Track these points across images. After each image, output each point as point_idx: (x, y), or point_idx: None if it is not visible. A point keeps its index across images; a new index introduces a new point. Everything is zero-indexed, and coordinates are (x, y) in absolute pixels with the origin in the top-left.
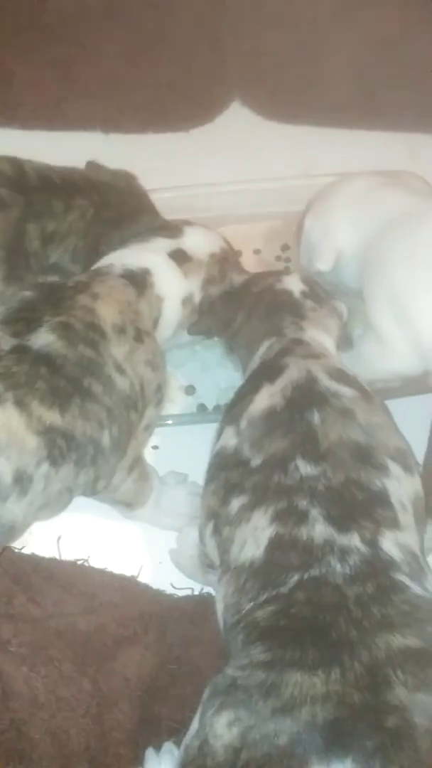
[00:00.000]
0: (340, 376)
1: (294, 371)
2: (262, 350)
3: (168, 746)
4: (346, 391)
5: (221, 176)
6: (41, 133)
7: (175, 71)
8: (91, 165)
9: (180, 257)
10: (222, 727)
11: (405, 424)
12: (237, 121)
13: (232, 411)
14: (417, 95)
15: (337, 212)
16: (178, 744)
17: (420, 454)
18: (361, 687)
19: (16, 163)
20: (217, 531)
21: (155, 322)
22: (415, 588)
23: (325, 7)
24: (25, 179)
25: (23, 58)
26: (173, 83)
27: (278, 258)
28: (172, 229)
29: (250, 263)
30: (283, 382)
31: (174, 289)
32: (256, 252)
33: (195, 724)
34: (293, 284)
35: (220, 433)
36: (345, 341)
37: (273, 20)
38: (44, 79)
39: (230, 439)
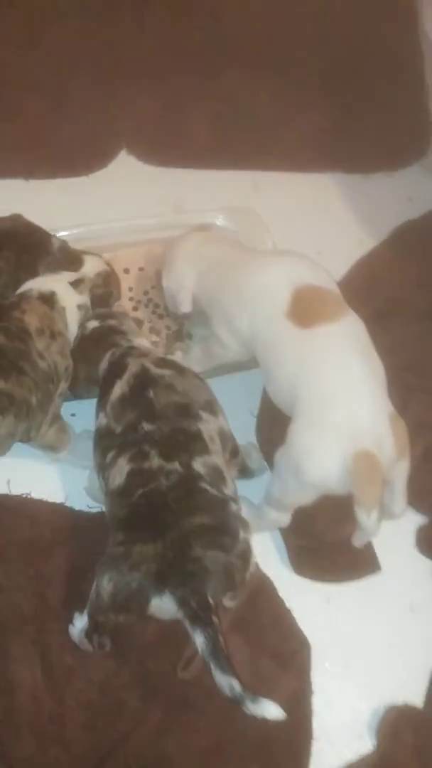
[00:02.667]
0: (161, 363)
1: (133, 367)
2: (107, 357)
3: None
4: (166, 372)
5: (114, 210)
6: None
7: (75, 127)
8: None
9: (76, 283)
10: (105, 582)
11: (241, 389)
12: (124, 166)
13: (100, 402)
14: (257, 141)
15: (181, 269)
16: None
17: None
18: (175, 549)
19: None
20: (100, 475)
21: (65, 324)
22: (212, 490)
23: (189, 74)
24: None
25: None
26: (75, 137)
27: (156, 272)
28: (75, 261)
29: (136, 277)
30: (128, 375)
31: (69, 301)
32: (141, 269)
33: (93, 585)
34: (91, 324)
35: (96, 417)
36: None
37: (149, 85)
38: None
39: (102, 420)
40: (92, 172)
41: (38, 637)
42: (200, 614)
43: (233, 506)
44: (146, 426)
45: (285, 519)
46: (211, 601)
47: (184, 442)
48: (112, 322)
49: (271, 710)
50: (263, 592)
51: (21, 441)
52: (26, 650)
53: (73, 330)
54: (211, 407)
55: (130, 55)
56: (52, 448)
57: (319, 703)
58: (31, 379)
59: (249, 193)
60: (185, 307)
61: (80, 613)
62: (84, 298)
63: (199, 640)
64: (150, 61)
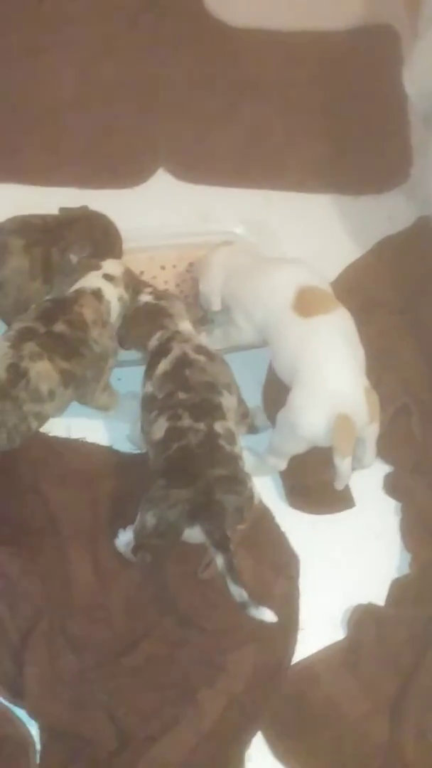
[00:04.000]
0: (199, 350)
1: (176, 351)
2: (157, 337)
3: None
4: (201, 358)
5: (152, 217)
6: (38, 189)
7: (121, 147)
8: (63, 209)
9: (108, 278)
10: (149, 516)
11: (251, 364)
12: (161, 181)
13: (148, 373)
14: (270, 164)
15: (213, 276)
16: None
17: (261, 378)
18: (202, 494)
19: (39, 216)
20: (143, 429)
21: (110, 315)
22: (227, 447)
23: (215, 106)
24: (46, 224)
25: (25, 142)
26: (121, 155)
27: (188, 270)
28: (93, 266)
29: (171, 273)
30: (171, 356)
31: (112, 294)
32: (174, 266)
33: (138, 517)
34: (147, 297)
35: (143, 385)
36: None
37: (182, 114)
38: (38, 152)
39: (148, 387)
40: (134, 186)
41: (90, 545)
42: (220, 541)
43: (241, 462)
44: (181, 395)
45: (282, 464)
46: (228, 532)
47: (209, 409)
48: (163, 303)
49: (267, 615)
50: (264, 518)
51: (79, 403)
52: (81, 554)
53: (114, 317)
54: (230, 388)
55: (167, 88)
56: (104, 408)
57: (304, 601)
58: (88, 359)
59: (262, 208)
60: (216, 307)
61: (123, 529)
62: (121, 291)
63: (218, 560)
64: (183, 93)
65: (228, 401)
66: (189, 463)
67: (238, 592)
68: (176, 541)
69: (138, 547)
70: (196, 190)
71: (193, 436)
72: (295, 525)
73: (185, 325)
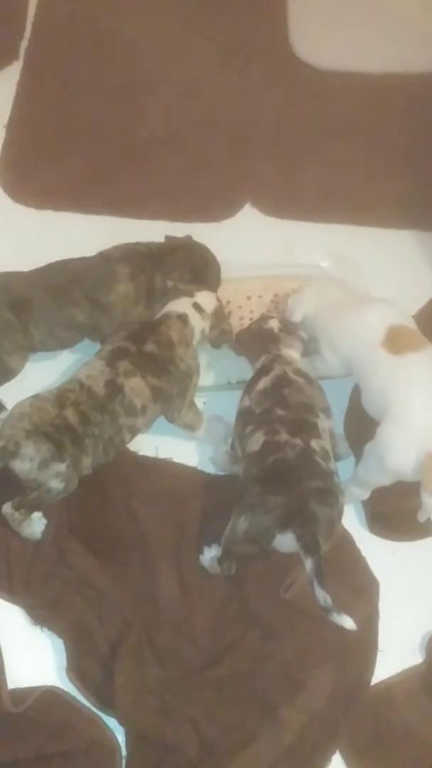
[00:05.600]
0: (298, 373)
1: (277, 370)
2: (262, 359)
3: (212, 546)
4: (300, 380)
5: (239, 250)
6: (133, 221)
7: (211, 183)
8: (169, 236)
9: (198, 308)
10: (241, 521)
11: (337, 389)
12: (248, 216)
13: (247, 388)
14: (354, 200)
15: (304, 298)
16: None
17: (343, 407)
18: (295, 503)
19: (144, 244)
20: (240, 442)
21: (192, 338)
22: (322, 463)
23: (301, 145)
24: (151, 251)
25: (121, 176)
26: (210, 191)
27: (272, 301)
28: (186, 292)
29: (256, 304)
30: (272, 375)
31: (197, 324)
32: (259, 297)
33: (230, 523)
34: (273, 323)
35: (242, 399)
36: (306, 351)
37: (269, 152)
38: (133, 185)
39: (246, 402)
40: (223, 220)
41: (177, 562)
42: (311, 546)
43: (336, 478)
44: (279, 411)
45: (365, 494)
46: (319, 540)
47: (306, 427)
48: (281, 334)
49: (347, 622)
50: (346, 542)
51: (167, 419)
52: (168, 570)
53: (195, 343)
54: (326, 412)
55: (256, 126)
56: (190, 427)
57: (383, 624)
58: (174, 377)
59: (347, 243)
60: (296, 318)
61: (208, 546)
62: (206, 326)
63: (308, 564)
64: (270, 133)
65: (324, 424)
66: (286, 472)
67: (322, 596)
68: (266, 548)
69: (225, 555)
70: (281, 224)
71: (290, 450)
72: (375, 550)
73: (289, 351)
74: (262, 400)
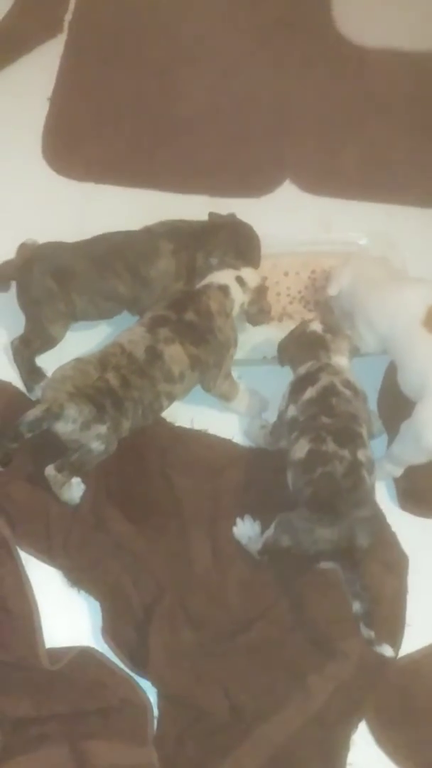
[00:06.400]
0: (346, 384)
1: (324, 381)
2: (307, 366)
3: (246, 520)
4: (347, 392)
5: (278, 227)
6: (172, 195)
7: (251, 160)
8: (212, 214)
9: (240, 281)
10: (285, 538)
11: (370, 367)
12: (287, 193)
13: (293, 397)
14: (392, 179)
15: (344, 272)
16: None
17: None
18: (345, 539)
19: (187, 222)
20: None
21: (232, 310)
22: (368, 479)
23: (341, 123)
24: (192, 229)
25: (162, 152)
26: (250, 167)
27: (310, 277)
28: (232, 266)
29: (294, 279)
30: (318, 385)
31: (237, 297)
32: (297, 273)
33: (272, 530)
34: (315, 326)
35: (287, 407)
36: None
37: (309, 130)
38: (173, 161)
39: (292, 410)
40: (262, 195)
41: (210, 530)
42: (360, 592)
43: (374, 493)
44: (324, 419)
45: (398, 471)
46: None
47: (352, 436)
48: (328, 336)
49: (387, 651)
50: (376, 518)
51: (203, 388)
52: (202, 537)
53: (234, 314)
54: (368, 422)
55: (296, 103)
56: (226, 397)
57: (412, 599)
58: (212, 346)
59: (385, 222)
60: (332, 291)
61: (242, 519)
62: (246, 300)
63: (356, 606)
64: (311, 111)
65: (365, 432)
66: (335, 497)
67: (368, 633)
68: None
69: (264, 551)
70: (320, 201)
71: (339, 464)
72: (406, 526)
73: (339, 360)
74: (307, 408)
